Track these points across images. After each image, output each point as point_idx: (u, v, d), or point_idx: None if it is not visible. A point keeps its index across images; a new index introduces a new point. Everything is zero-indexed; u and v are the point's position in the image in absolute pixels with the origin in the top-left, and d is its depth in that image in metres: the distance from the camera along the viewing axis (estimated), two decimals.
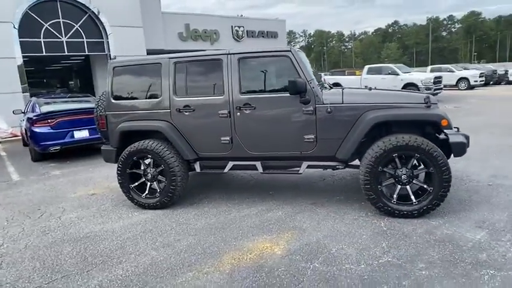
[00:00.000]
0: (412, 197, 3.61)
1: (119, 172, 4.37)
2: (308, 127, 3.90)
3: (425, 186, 3.59)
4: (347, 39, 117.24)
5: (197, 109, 4.17)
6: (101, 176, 6.09)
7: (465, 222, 3.45)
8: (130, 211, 4.34)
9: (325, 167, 4.08)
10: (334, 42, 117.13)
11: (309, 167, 4.01)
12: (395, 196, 3.64)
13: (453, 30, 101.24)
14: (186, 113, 4.20)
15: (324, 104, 3.83)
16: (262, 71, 4.16)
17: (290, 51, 3.92)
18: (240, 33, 20.23)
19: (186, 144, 4.25)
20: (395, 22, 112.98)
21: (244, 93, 4.04)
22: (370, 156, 3.59)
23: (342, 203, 4.13)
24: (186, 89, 4.27)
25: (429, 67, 23.14)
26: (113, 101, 4.50)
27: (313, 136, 3.89)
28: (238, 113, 4.05)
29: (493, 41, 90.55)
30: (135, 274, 2.90)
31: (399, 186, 3.64)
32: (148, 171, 4.34)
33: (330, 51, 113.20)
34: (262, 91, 4.10)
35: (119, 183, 4.42)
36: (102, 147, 4.79)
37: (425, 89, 14.18)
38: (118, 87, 4.50)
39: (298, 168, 4.02)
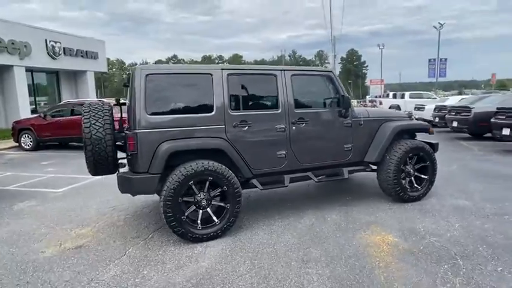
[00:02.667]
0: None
1: (168, 203, 3.48)
2: (347, 138, 4.54)
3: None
4: (128, 68, 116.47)
5: (254, 124, 3.99)
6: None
7: None
8: (184, 249, 3.53)
9: (359, 171, 4.78)
10: (114, 69, 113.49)
11: (349, 172, 4.61)
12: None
13: None
14: (244, 128, 3.93)
15: (357, 117, 4.60)
16: (311, 88, 4.49)
17: (332, 71, 4.49)
18: (57, 49, 17.03)
19: (243, 162, 3.94)
20: (175, 56, 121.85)
21: (297, 107, 4.23)
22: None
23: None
24: (241, 102, 4.00)
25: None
26: (149, 116, 3.58)
27: (350, 145, 4.56)
28: (294, 127, 4.19)
29: None
30: None
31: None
32: (202, 196, 3.69)
33: (111, 79, 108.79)
34: (311, 106, 4.42)
35: (167, 217, 3.50)
36: (123, 175, 3.63)
37: None
38: (155, 100, 3.62)
39: (342, 175, 4.54)
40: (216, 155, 3.79)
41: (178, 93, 3.84)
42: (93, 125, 3.68)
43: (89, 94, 19.46)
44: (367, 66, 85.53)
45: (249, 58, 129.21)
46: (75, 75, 19.87)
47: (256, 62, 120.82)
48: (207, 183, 3.67)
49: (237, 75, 4.01)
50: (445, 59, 40.11)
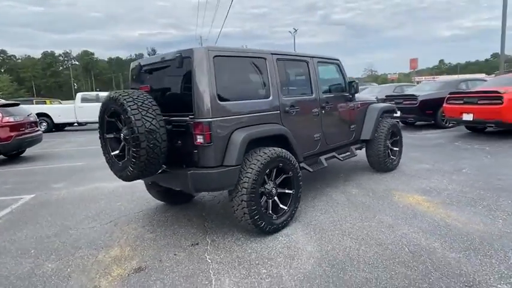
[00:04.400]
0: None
1: (252, 195, 3.26)
2: (352, 119, 5.07)
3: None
4: None
5: (300, 109, 4.07)
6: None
7: None
8: (265, 242, 3.38)
9: (359, 148, 5.35)
10: None
11: (356, 149, 5.15)
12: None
13: (70, 66, 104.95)
14: (293, 113, 3.96)
15: (356, 101, 5.17)
16: (329, 75, 4.76)
17: (338, 59, 4.89)
18: None
19: (297, 147, 3.97)
20: (3, 51, 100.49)
21: (323, 92, 4.50)
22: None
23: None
24: (288, 88, 3.99)
25: None
26: (219, 102, 3.24)
27: (354, 126, 5.11)
28: (323, 111, 4.45)
29: (109, 78, 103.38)
30: None
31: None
32: (272, 185, 3.58)
33: None
34: (331, 91, 4.73)
35: (251, 210, 3.27)
36: (197, 172, 3.16)
37: None
38: (222, 84, 3.29)
39: (353, 152, 5.05)
40: (277, 142, 3.72)
41: (241, 78, 3.62)
42: (145, 117, 3.09)
43: None
44: None
45: (99, 56, 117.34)
46: None
47: (111, 60, 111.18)
48: (275, 170, 3.59)
49: (282, 60, 3.99)
50: None
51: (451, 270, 2.69)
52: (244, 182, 3.26)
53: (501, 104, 7.22)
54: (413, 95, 10.41)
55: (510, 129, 7.87)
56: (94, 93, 18.88)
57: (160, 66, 3.61)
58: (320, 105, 4.40)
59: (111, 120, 3.44)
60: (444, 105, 8.90)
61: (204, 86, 3.16)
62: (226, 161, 3.24)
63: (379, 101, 6.05)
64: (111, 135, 3.50)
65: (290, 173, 3.68)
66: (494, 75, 25.92)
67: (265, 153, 3.42)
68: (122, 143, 3.39)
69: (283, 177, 3.68)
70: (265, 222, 3.41)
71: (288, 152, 3.67)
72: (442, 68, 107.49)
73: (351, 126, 5.07)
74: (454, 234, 3.28)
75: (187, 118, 3.22)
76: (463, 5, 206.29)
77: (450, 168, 5.63)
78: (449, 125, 10.21)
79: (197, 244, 3.45)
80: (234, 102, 3.41)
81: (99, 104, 3.54)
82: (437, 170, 5.57)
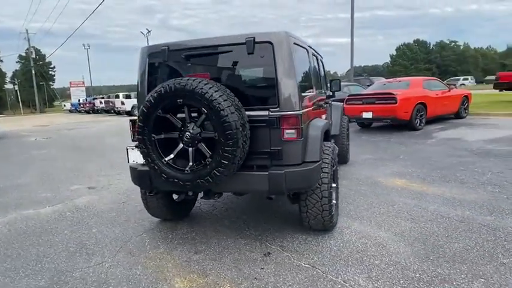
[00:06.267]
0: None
1: (330, 191, 3.19)
2: (329, 115, 5.47)
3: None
4: None
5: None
6: None
7: None
8: (333, 236, 3.36)
9: None
10: None
11: None
12: None
13: None
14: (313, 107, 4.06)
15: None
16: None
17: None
18: None
19: None
20: None
21: (321, 88, 4.73)
22: None
23: None
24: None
25: None
26: (301, 93, 3.07)
27: (331, 121, 5.52)
28: (327, 105, 4.68)
29: None
30: None
31: None
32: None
33: None
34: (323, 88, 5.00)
35: (330, 206, 3.20)
36: (279, 172, 2.87)
37: None
38: (300, 74, 3.17)
39: None
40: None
41: (307, 68, 3.57)
42: (238, 110, 2.66)
43: None
44: (54, 67, 72.93)
45: None
46: None
47: None
48: None
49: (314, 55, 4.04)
50: None
51: (492, 227, 3.32)
52: (325, 178, 3.15)
53: (395, 103, 9.01)
54: None
55: (401, 123, 9.76)
56: None
57: (212, 52, 3.08)
58: (325, 100, 4.60)
59: (163, 117, 2.74)
60: (344, 105, 10.38)
61: (291, 75, 2.91)
62: (309, 156, 3.04)
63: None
64: (162, 136, 2.80)
65: (335, 166, 3.73)
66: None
67: (329, 146, 3.38)
68: (180, 146, 2.76)
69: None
70: (334, 216, 3.37)
71: None
72: None
73: (329, 121, 5.46)
74: (467, 202, 4.01)
75: (267, 112, 2.88)
76: (288, 22, 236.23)
77: (390, 157, 6.70)
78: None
79: (269, 254, 3.11)
80: (307, 93, 3.30)
81: None
82: (382, 159, 6.54)
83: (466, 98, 11.55)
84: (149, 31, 44.64)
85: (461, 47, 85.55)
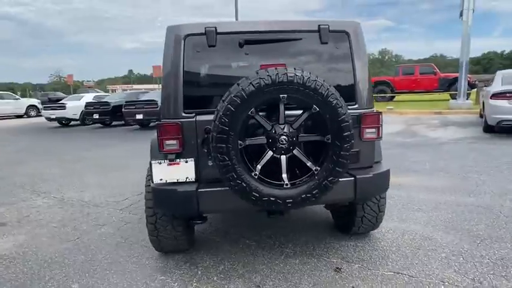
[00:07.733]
0: None
1: None
2: None
3: None
4: None
5: None
6: None
7: None
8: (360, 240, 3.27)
9: None
10: None
11: None
12: None
13: None
14: None
15: None
16: None
17: None
18: None
19: None
20: None
21: None
22: None
23: None
24: None
25: None
26: None
27: None
28: None
29: None
30: None
31: None
32: None
33: None
34: None
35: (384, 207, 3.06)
36: (377, 172, 2.63)
37: None
38: None
39: None
40: None
41: None
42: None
43: None
44: None
45: None
46: None
47: None
48: None
49: None
50: None
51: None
52: None
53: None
54: (106, 102, 14.44)
55: None
56: None
57: (276, 38, 2.55)
58: None
59: (250, 119, 2.16)
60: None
61: (366, 70, 2.63)
62: (377, 157, 2.80)
63: None
64: (251, 142, 2.20)
65: None
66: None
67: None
68: (269, 154, 2.19)
69: None
70: None
71: None
72: (132, 78, 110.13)
73: None
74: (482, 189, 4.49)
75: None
76: (144, 22, 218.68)
77: None
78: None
79: (340, 268, 2.77)
80: None
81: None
82: None
83: None
84: None
85: None
